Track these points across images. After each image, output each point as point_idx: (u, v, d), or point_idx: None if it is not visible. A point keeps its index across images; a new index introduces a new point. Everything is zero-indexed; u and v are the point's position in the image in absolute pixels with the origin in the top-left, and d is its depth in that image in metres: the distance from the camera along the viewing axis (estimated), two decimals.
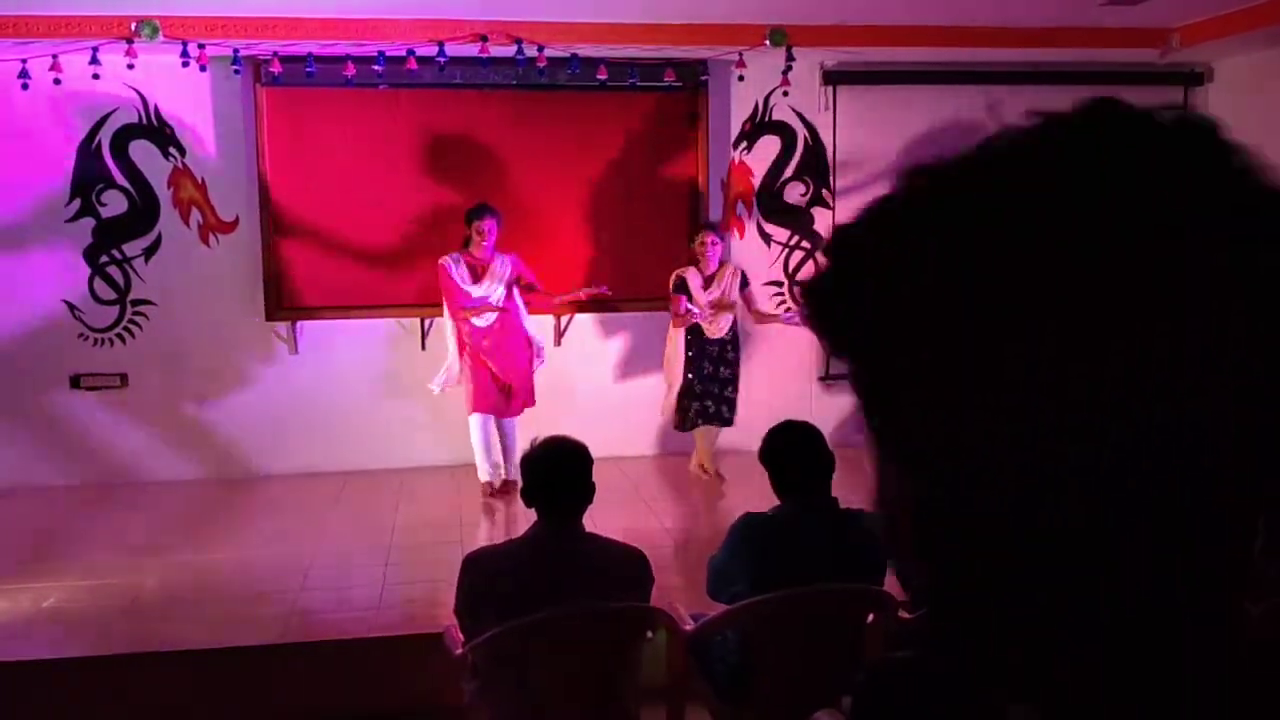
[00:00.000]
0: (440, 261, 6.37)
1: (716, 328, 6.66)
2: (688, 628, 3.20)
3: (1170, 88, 7.60)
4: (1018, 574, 0.58)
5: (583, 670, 3.04)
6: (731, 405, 6.76)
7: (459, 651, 3.07)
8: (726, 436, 7.43)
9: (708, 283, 6.67)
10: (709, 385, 6.71)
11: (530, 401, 6.59)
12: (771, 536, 3.17)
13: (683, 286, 6.67)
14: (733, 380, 6.77)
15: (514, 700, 3.05)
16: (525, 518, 3.13)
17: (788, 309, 7.22)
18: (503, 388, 6.47)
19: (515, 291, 6.49)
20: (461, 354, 6.45)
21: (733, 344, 6.77)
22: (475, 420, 6.45)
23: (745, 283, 6.78)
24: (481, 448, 6.48)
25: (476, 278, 6.37)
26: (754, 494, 3.47)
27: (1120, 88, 7.39)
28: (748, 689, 3.19)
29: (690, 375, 6.69)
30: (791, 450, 3.21)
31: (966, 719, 1.51)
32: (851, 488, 3.67)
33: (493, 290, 6.37)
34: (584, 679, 3.06)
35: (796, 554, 3.10)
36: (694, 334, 6.68)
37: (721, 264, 6.74)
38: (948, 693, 1.53)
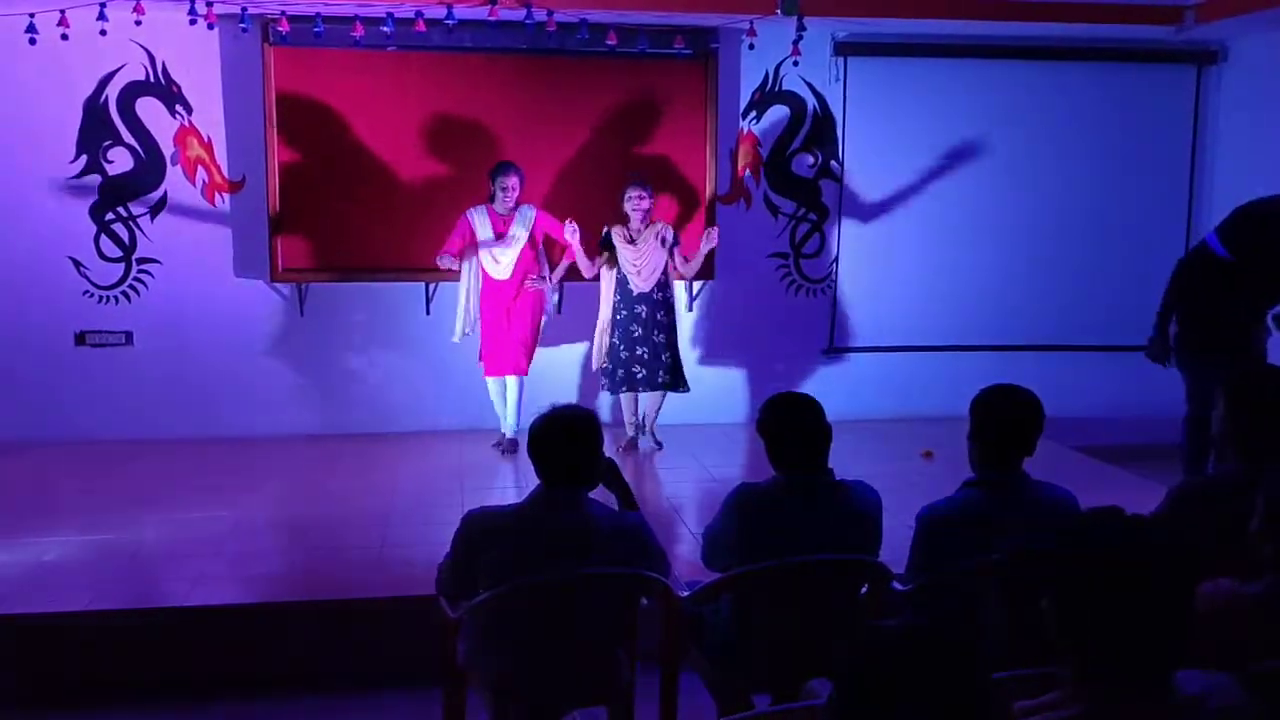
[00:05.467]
0: (465, 212, 6.57)
1: (641, 280, 6.50)
2: (683, 595, 3.22)
3: (1183, 66, 7.52)
4: None
5: (577, 635, 3.06)
6: (666, 369, 6.56)
7: (454, 615, 3.08)
8: (734, 408, 7.45)
9: (632, 241, 6.54)
10: (635, 348, 6.53)
11: (523, 367, 6.65)
12: (767, 507, 3.18)
13: (607, 242, 6.59)
14: (664, 344, 6.59)
15: (507, 663, 3.07)
16: (529, 482, 3.14)
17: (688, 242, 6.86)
18: (509, 346, 6.61)
19: (540, 252, 6.67)
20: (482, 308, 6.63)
21: (664, 305, 6.61)
22: (491, 380, 6.80)
23: (676, 241, 6.65)
24: (497, 403, 6.84)
25: (500, 233, 6.54)
26: (756, 464, 3.47)
27: (1133, 65, 7.33)
28: (742, 657, 3.21)
29: (615, 339, 6.59)
30: (788, 422, 3.20)
31: (952, 684, 1.53)
32: (848, 459, 3.68)
33: (514, 243, 6.54)
34: (578, 644, 3.08)
35: (791, 525, 3.11)
36: (621, 294, 6.57)
37: (650, 224, 6.57)
38: (935, 659, 1.55)
